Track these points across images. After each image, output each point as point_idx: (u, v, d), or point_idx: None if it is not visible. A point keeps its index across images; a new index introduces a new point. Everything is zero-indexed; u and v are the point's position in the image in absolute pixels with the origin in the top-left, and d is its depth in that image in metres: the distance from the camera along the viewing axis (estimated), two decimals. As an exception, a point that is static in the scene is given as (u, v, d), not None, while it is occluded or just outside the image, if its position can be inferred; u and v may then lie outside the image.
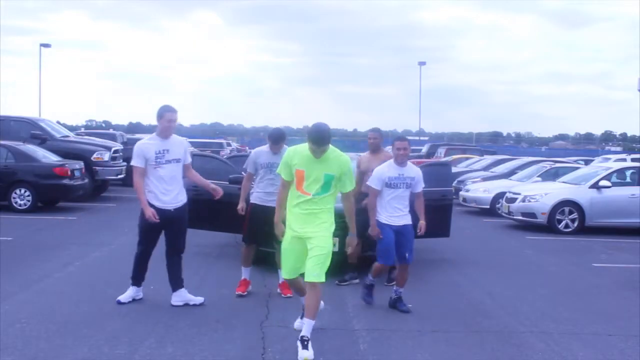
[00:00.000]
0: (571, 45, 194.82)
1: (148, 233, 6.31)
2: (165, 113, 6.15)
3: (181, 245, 6.46)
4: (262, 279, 7.56)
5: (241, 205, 6.99)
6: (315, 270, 4.98)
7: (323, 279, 5.03)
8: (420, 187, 6.52)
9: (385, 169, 6.49)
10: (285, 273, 5.40)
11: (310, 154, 5.09)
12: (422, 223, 6.61)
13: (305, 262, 5.10)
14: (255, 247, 7.01)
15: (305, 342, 4.97)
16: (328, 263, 5.08)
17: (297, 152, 5.21)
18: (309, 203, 5.12)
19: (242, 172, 8.74)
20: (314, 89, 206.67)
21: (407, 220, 6.46)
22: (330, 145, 5.12)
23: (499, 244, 11.62)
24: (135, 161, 6.14)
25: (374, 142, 7.73)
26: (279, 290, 7.04)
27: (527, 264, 9.62)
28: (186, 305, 6.35)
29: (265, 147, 6.89)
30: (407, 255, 6.44)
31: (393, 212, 6.43)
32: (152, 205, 6.12)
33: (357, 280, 7.67)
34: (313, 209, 5.12)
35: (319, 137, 5.01)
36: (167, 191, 6.19)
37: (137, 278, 6.48)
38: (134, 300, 6.42)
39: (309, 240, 5.08)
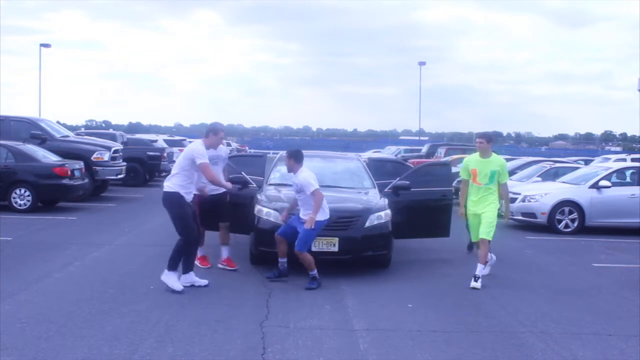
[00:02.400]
0: (571, 45, 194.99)
1: None
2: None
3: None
4: (262, 279, 7.55)
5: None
6: (485, 231, 7.78)
7: (490, 237, 7.79)
8: (307, 189, 7.37)
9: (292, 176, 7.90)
10: (473, 237, 8.24)
11: (478, 158, 8.01)
12: (310, 217, 7.31)
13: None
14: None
15: (477, 279, 7.65)
16: (493, 227, 7.79)
17: (471, 159, 8.14)
18: (482, 190, 7.91)
19: (242, 173, 8.79)
20: (314, 89, 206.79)
21: (305, 216, 7.46)
22: (493, 153, 8.09)
23: (499, 244, 11.57)
24: None
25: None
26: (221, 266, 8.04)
27: (527, 264, 9.62)
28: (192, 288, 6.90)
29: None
30: (295, 242, 7.44)
31: (297, 207, 7.69)
32: None
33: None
34: (484, 194, 7.89)
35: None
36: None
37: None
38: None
39: (482, 215, 7.84)
